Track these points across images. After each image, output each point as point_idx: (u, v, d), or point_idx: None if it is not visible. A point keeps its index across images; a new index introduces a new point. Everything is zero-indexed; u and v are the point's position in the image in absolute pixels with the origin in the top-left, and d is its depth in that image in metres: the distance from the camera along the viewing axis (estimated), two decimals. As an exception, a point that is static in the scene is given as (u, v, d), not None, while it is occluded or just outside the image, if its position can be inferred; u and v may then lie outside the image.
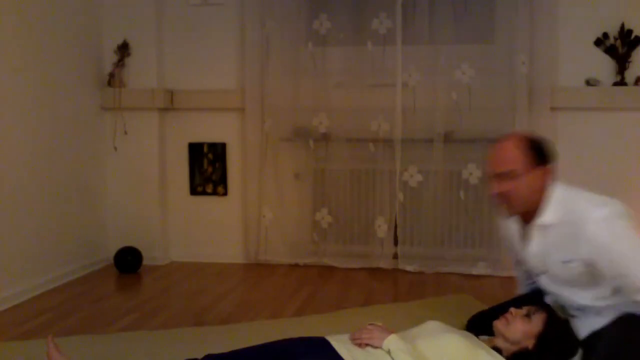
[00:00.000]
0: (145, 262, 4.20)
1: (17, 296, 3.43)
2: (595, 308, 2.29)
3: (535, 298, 2.57)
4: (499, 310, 2.43)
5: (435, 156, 4.06)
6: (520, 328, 2.20)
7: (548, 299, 2.56)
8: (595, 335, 2.22)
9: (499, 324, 2.25)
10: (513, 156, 2.14)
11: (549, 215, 2.17)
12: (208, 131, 4.38)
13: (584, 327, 2.29)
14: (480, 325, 2.51)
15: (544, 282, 2.39)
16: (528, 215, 2.24)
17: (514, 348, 2.20)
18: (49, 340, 2.24)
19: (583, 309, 2.35)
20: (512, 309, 2.27)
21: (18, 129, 3.49)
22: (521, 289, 2.71)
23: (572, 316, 2.39)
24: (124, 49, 4.24)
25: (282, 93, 4.20)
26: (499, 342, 2.23)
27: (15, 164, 3.47)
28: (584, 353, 2.22)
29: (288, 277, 4.03)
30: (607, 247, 2.08)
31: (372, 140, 4.13)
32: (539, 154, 2.18)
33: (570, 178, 2.40)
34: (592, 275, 2.20)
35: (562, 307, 2.44)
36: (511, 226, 2.41)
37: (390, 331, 2.14)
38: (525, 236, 2.33)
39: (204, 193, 4.42)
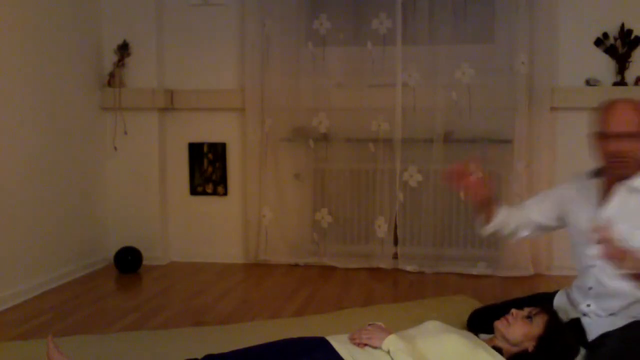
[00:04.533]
0: (145, 262, 4.20)
1: (17, 296, 3.43)
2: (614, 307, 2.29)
3: (538, 300, 2.57)
4: (501, 309, 2.42)
5: (435, 156, 4.05)
6: (520, 329, 2.20)
7: (559, 298, 2.55)
8: (604, 337, 2.22)
9: (499, 325, 2.25)
10: (636, 119, 2.21)
11: None
12: (208, 131, 4.38)
13: (596, 328, 2.29)
14: (480, 323, 2.51)
15: (595, 254, 2.34)
16: (619, 178, 2.28)
17: (514, 349, 2.20)
18: (49, 340, 2.24)
19: (600, 303, 2.33)
20: (514, 310, 2.27)
21: (18, 129, 3.49)
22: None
23: (583, 314, 2.38)
24: (124, 49, 4.24)
25: (282, 93, 4.20)
26: (500, 342, 2.23)
27: (15, 164, 3.47)
28: (590, 353, 2.22)
29: (288, 277, 4.02)
30: None
31: (372, 140, 4.13)
32: None
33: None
34: None
35: (576, 305, 2.41)
36: (587, 192, 2.39)
37: (390, 331, 2.14)
38: (605, 199, 2.33)
39: (204, 193, 4.42)
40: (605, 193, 2.33)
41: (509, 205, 2.73)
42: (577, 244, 2.46)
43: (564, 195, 2.53)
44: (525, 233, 2.64)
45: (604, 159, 2.28)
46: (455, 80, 4.00)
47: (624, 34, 3.87)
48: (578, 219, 2.43)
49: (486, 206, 2.58)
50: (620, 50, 3.88)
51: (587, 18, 3.93)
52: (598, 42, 3.93)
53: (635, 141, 2.20)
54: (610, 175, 2.31)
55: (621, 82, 3.89)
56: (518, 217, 2.61)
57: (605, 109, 2.28)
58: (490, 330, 2.31)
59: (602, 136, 2.25)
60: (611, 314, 2.29)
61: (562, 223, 2.56)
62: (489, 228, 2.61)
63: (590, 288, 2.38)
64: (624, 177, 2.26)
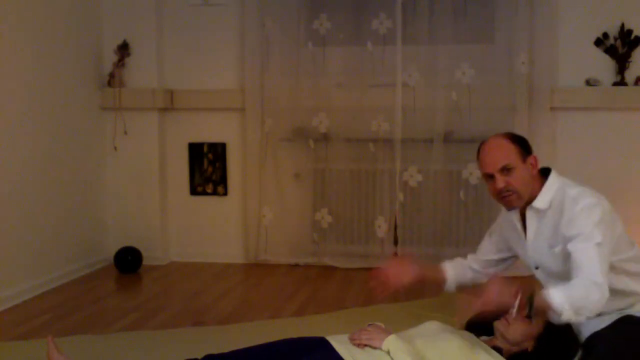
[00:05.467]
0: (145, 262, 4.20)
1: (17, 296, 3.43)
2: None
3: None
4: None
5: (435, 156, 4.06)
6: (520, 329, 2.19)
7: None
8: (595, 336, 2.23)
9: (499, 325, 2.24)
10: (508, 150, 2.24)
11: (543, 199, 2.26)
12: (208, 131, 4.38)
13: (586, 329, 2.29)
14: (480, 325, 2.51)
15: (540, 277, 2.39)
16: (526, 205, 2.31)
17: (514, 349, 2.20)
18: (49, 341, 2.24)
19: None
20: (513, 310, 2.26)
21: (18, 129, 3.49)
22: None
23: None
24: (124, 49, 4.24)
25: (282, 93, 4.20)
26: (499, 342, 2.23)
27: (15, 164, 3.47)
28: (584, 354, 2.22)
29: (288, 277, 4.02)
30: (580, 233, 2.11)
31: (372, 140, 4.13)
32: (523, 145, 2.28)
33: (571, 178, 2.40)
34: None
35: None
36: (511, 224, 2.42)
37: (390, 331, 2.14)
38: (524, 227, 2.36)
39: (204, 193, 4.42)
40: (523, 220, 2.36)
41: (451, 258, 2.70)
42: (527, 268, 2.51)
43: (501, 228, 2.55)
44: (491, 271, 2.60)
45: (496, 197, 2.30)
46: (455, 80, 4.01)
47: (624, 34, 3.87)
48: (517, 250, 2.47)
49: (428, 276, 2.58)
50: (620, 50, 3.88)
51: (587, 18, 3.93)
52: (598, 42, 3.93)
53: (514, 171, 2.21)
54: (511, 209, 2.34)
55: (621, 82, 3.89)
56: (476, 261, 2.62)
57: (478, 152, 2.32)
58: (489, 332, 2.30)
59: (486, 178, 2.29)
60: (598, 315, 2.29)
61: (514, 252, 2.57)
62: (449, 286, 2.60)
63: None
64: (525, 203, 2.28)
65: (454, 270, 2.59)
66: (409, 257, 2.56)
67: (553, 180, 2.27)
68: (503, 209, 2.45)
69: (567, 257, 2.16)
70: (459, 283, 2.59)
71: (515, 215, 2.37)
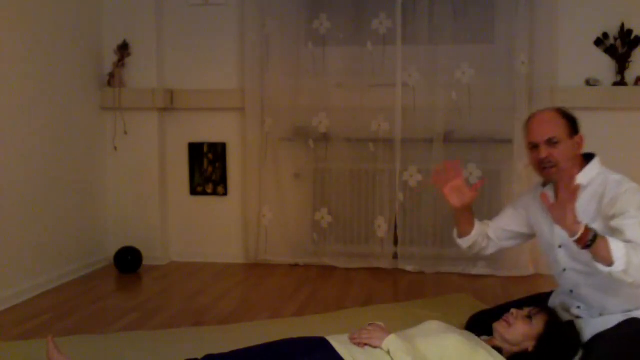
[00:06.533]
0: (145, 262, 4.20)
1: (17, 296, 3.43)
2: (598, 304, 2.30)
3: (537, 300, 2.57)
4: (500, 310, 2.43)
5: (435, 156, 4.05)
6: (520, 329, 2.20)
7: (552, 302, 2.56)
8: (598, 337, 2.23)
9: (499, 325, 2.25)
10: (558, 124, 2.32)
11: (585, 176, 2.31)
12: (208, 131, 4.38)
13: (589, 329, 2.29)
14: (480, 325, 2.51)
15: (560, 257, 2.39)
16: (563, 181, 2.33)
17: (514, 349, 2.20)
18: (49, 341, 2.24)
19: (586, 304, 2.35)
20: (514, 310, 2.27)
21: (18, 129, 3.49)
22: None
23: (577, 317, 2.39)
24: (124, 49, 4.24)
25: (282, 93, 4.20)
26: (499, 343, 2.23)
27: (15, 164, 3.47)
28: (585, 354, 2.22)
29: (288, 277, 4.02)
30: (626, 211, 2.14)
31: (372, 140, 4.13)
32: (573, 123, 2.36)
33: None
34: None
35: (567, 308, 2.43)
36: (537, 199, 2.43)
37: (390, 331, 2.14)
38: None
39: (204, 193, 4.42)
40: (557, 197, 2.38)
41: (482, 219, 2.71)
42: (545, 252, 2.53)
43: (527, 204, 2.57)
44: (504, 243, 2.66)
45: (536, 168, 2.37)
46: (455, 80, 4.01)
47: (624, 34, 3.87)
48: (541, 228, 2.49)
49: (466, 215, 2.58)
50: (620, 50, 3.88)
51: (587, 18, 3.93)
52: (598, 42, 3.93)
53: (559, 145, 2.29)
54: (549, 182, 2.38)
55: (621, 82, 3.89)
56: (494, 229, 2.64)
57: (528, 121, 2.40)
58: (489, 332, 2.31)
59: (530, 147, 2.36)
60: (603, 316, 2.29)
61: (532, 231, 2.59)
62: (467, 240, 2.62)
63: (571, 291, 2.43)
64: (565, 179, 2.30)
65: (477, 231, 2.61)
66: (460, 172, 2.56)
67: (595, 164, 2.36)
68: (532, 186, 2.54)
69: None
70: (472, 245, 2.62)
71: (550, 192, 2.39)
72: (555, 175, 2.30)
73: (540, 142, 2.30)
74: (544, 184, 2.45)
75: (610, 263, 2.00)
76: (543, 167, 2.31)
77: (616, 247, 2.00)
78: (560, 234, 2.31)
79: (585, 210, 2.24)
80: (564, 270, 2.40)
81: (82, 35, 4.10)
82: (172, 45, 4.34)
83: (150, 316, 3.21)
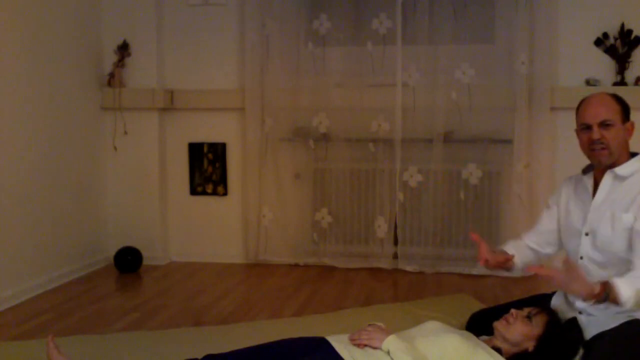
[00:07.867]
0: (145, 262, 4.20)
1: (17, 296, 3.43)
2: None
3: (538, 300, 2.57)
4: (500, 310, 2.42)
5: (435, 156, 4.06)
6: (520, 329, 2.20)
7: (554, 302, 2.55)
8: (599, 337, 2.22)
9: (499, 325, 2.25)
10: (613, 108, 2.33)
11: (627, 168, 2.34)
12: (208, 131, 4.38)
13: (591, 327, 2.29)
14: (480, 325, 2.51)
15: (583, 245, 2.39)
16: (606, 168, 2.38)
17: (514, 349, 2.20)
18: (49, 341, 2.24)
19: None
20: (513, 310, 2.27)
21: (18, 129, 3.49)
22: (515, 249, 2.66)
23: (580, 313, 2.38)
24: (124, 49, 4.24)
25: (282, 93, 4.20)
26: (499, 343, 2.23)
27: (15, 164, 3.47)
28: (585, 354, 2.22)
29: (288, 277, 4.02)
30: None
31: (372, 140, 4.13)
32: (626, 109, 2.37)
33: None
34: (628, 246, 2.24)
35: (571, 302, 2.42)
36: (577, 187, 2.48)
37: (390, 331, 2.14)
38: (595, 189, 2.41)
39: (204, 193, 4.42)
40: (597, 184, 2.42)
41: (514, 238, 2.74)
42: (568, 238, 2.53)
43: (559, 195, 2.60)
44: (547, 250, 2.66)
45: (586, 150, 2.38)
46: (455, 80, 4.01)
47: (624, 34, 3.87)
48: (571, 212, 2.50)
49: (500, 261, 2.60)
50: (620, 50, 3.88)
51: (587, 18, 3.93)
52: (598, 42, 3.93)
53: (612, 128, 2.30)
54: (597, 165, 2.39)
55: (621, 82, 3.89)
56: (531, 238, 2.66)
57: (582, 102, 2.41)
58: (489, 332, 2.30)
59: (582, 127, 2.36)
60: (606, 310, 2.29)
61: None
62: (517, 270, 2.65)
63: None
64: (609, 165, 2.35)
65: (516, 251, 2.62)
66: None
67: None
68: (567, 179, 2.56)
69: (625, 229, 2.23)
70: (524, 264, 2.62)
71: (589, 180, 2.42)
72: (604, 158, 2.32)
73: (594, 123, 2.31)
74: (584, 172, 2.47)
75: (620, 303, 2.07)
76: (593, 148, 2.32)
77: (624, 291, 2.05)
78: (591, 221, 2.36)
79: (621, 199, 2.29)
80: (581, 258, 2.40)
81: (82, 35, 4.10)
82: (172, 45, 4.34)
83: (150, 316, 3.21)
